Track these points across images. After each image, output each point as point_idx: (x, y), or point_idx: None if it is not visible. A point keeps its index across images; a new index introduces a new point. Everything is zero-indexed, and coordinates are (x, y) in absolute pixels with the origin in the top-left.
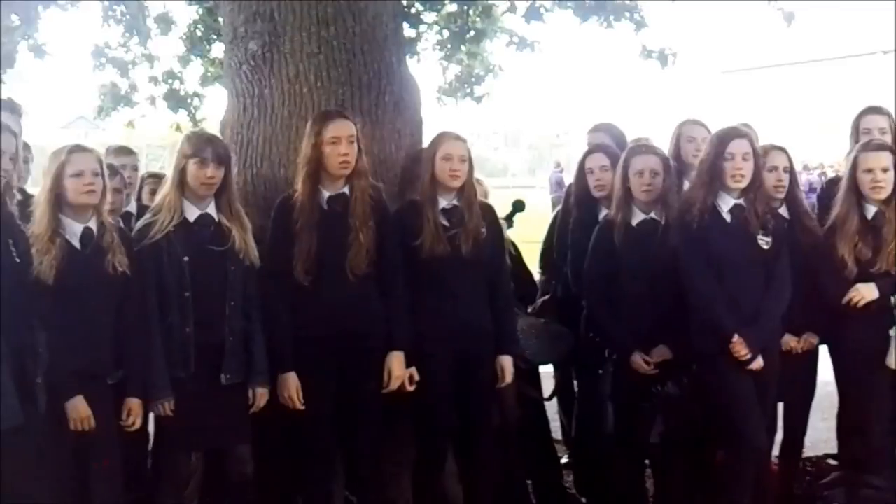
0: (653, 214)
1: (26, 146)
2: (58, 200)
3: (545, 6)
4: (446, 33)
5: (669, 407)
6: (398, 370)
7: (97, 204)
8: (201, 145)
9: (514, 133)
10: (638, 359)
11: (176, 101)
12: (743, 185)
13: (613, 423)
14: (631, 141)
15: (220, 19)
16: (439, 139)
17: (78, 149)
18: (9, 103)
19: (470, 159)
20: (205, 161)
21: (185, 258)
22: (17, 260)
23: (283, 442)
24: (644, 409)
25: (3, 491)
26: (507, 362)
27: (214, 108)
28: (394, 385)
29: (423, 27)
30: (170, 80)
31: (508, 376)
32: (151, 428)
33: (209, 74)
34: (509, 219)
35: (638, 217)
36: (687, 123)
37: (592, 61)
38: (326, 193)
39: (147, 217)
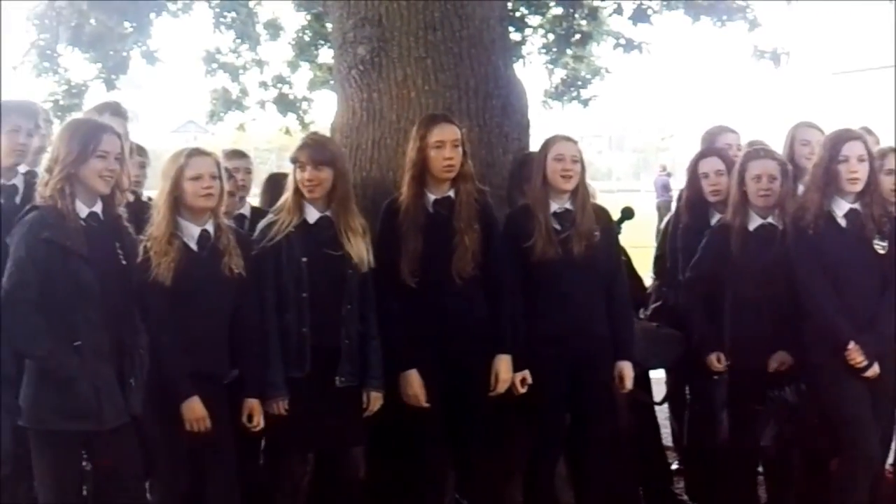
0: (770, 219)
1: (143, 150)
2: (176, 203)
3: (652, 7)
4: (551, 37)
5: (784, 412)
6: (505, 373)
7: (214, 207)
8: (298, 150)
9: (618, 136)
10: (713, 358)
11: (285, 105)
12: (858, 188)
13: (727, 428)
14: (747, 144)
15: (329, 25)
16: (550, 141)
17: (196, 152)
18: (115, 106)
19: (582, 161)
20: (302, 165)
21: (304, 259)
22: (124, 262)
23: (393, 444)
24: (758, 413)
25: (111, 490)
26: (626, 368)
27: (322, 113)
28: (500, 388)
29: (528, 31)
30: (279, 85)
31: (628, 382)
32: None
33: (317, 79)
34: (618, 226)
35: (755, 222)
36: (801, 126)
37: (698, 62)
38: (432, 197)
39: (269, 217)
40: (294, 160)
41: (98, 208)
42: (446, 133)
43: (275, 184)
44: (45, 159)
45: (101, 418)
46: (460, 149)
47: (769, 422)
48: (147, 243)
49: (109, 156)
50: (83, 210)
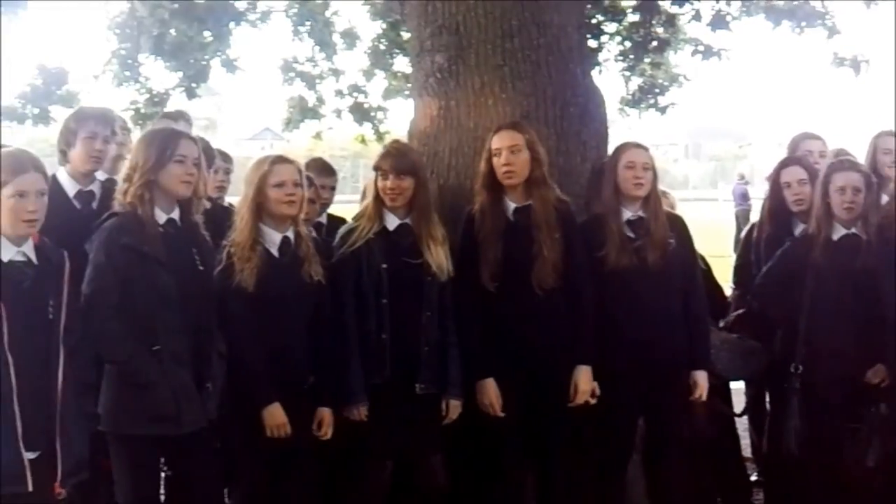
0: (854, 230)
1: (227, 156)
2: (259, 210)
3: (731, 13)
4: (628, 44)
5: (886, 429)
6: (584, 385)
7: (296, 214)
8: (381, 158)
9: (694, 144)
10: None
11: (361, 113)
12: None
13: (800, 441)
14: (831, 154)
15: (404, 33)
16: (621, 148)
17: (280, 159)
18: (183, 113)
19: (654, 168)
20: (385, 173)
21: (384, 266)
22: (201, 268)
23: (473, 453)
24: (859, 432)
25: (188, 494)
26: (700, 377)
27: (397, 121)
28: (580, 400)
29: (604, 38)
30: (355, 94)
31: (703, 391)
32: None
33: (392, 87)
34: None
35: (839, 232)
36: (882, 135)
37: (777, 69)
38: (512, 205)
39: (349, 224)
40: (376, 168)
41: (176, 214)
42: (504, 140)
43: None
44: (125, 167)
45: (179, 422)
46: (522, 154)
47: (871, 441)
48: (230, 249)
49: (187, 160)
50: (161, 216)
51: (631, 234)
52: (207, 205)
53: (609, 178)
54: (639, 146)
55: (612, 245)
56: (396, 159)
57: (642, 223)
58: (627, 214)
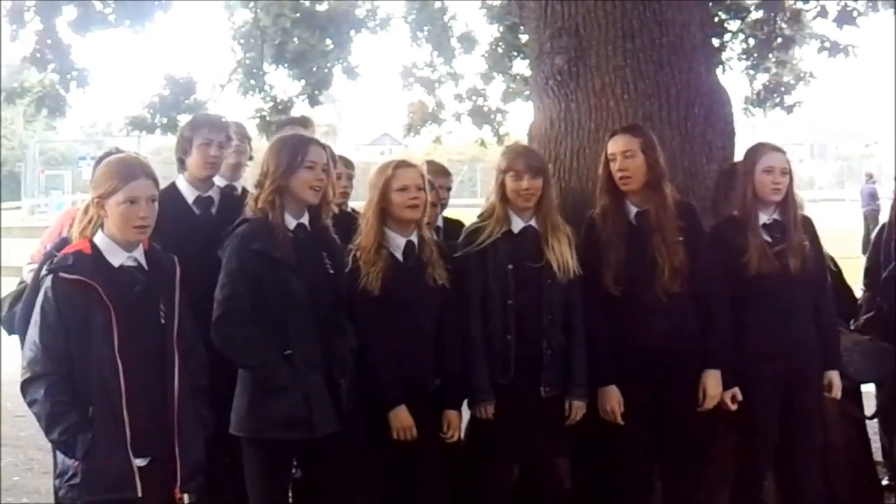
0: None
1: (349, 162)
2: (383, 214)
3: (857, 9)
4: (752, 41)
5: None
6: (713, 389)
7: (419, 218)
8: (514, 158)
9: (820, 144)
10: None
11: (480, 117)
12: None
13: None
14: None
15: (523, 36)
16: (758, 151)
17: (403, 164)
18: (309, 120)
19: (791, 171)
20: (518, 174)
21: (510, 266)
22: (331, 272)
23: (599, 458)
24: None
25: (319, 498)
26: (835, 377)
27: (516, 124)
28: (708, 404)
29: (727, 36)
30: (474, 97)
31: (837, 391)
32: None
33: (511, 90)
34: None
35: None
36: None
37: None
38: (634, 209)
39: (474, 223)
40: (508, 169)
41: (305, 220)
42: (618, 145)
43: None
44: (255, 175)
45: (311, 427)
46: (636, 159)
47: None
48: (356, 253)
49: (317, 166)
50: (291, 222)
51: (769, 239)
52: (336, 210)
53: (745, 181)
54: (776, 149)
55: (753, 251)
56: (530, 160)
57: (778, 226)
58: (763, 218)
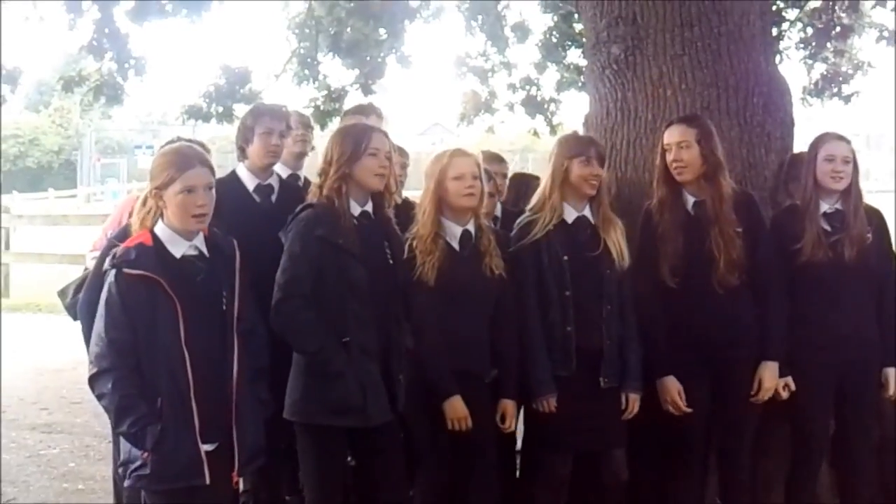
0: None
1: (403, 151)
2: (439, 203)
3: None
4: (810, 30)
5: None
6: (769, 381)
7: (475, 206)
8: (585, 145)
9: (877, 135)
10: None
11: (533, 106)
12: None
13: None
14: None
15: (577, 25)
16: (821, 140)
17: (459, 153)
18: (374, 108)
19: (855, 161)
20: (589, 160)
21: (565, 257)
22: (391, 261)
23: (655, 449)
24: None
25: (373, 486)
26: (892, 374)
27: (570, 113)
28: (763, 396)
29: (785, 25)
30: (527, 87)
31: (893, 389)
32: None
33: (565, 80)
34: None
35: None
36: None
37: None
38: (691, 199)
39: (527, 215)
40: (577, 154)
41: (369, 207)
42: (673, 135)
43: (519, 183)
44: (319, 164)
45: (366, 415)
46: (692, 150)
47: None
48: (412, 242)
49: (380, 153)
50: (356, 209)
51: (828, 228)
52: (398, 199)
53: (807, 169)
54: (840, 138)
55: (808, 238)
56: (599, 147)
57: (840, 217)
58: (825, 207)
